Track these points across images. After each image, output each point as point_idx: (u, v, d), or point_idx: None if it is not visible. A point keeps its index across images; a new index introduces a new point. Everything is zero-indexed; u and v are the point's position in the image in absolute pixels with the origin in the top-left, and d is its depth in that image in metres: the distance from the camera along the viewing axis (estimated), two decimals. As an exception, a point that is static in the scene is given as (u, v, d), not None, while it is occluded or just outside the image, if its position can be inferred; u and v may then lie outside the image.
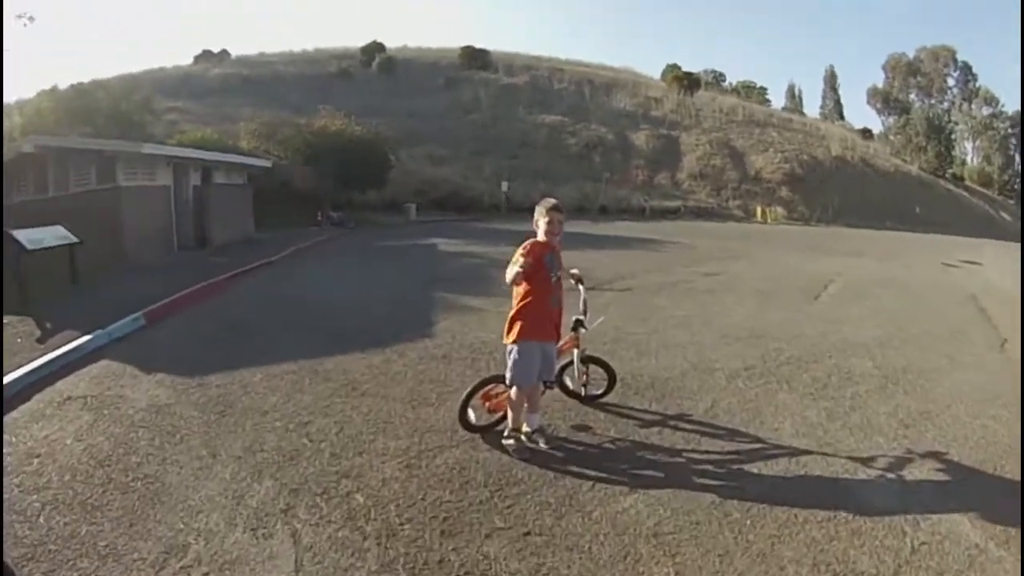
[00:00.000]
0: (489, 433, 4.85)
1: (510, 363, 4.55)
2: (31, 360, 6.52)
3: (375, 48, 55.34)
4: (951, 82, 70.81)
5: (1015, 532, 3.72)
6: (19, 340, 7.44)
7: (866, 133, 63.67)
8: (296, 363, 6.70)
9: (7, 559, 3.27)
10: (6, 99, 24.54)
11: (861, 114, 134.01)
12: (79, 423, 5.13)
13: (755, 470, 4.49)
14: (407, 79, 50.06)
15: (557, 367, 5.08)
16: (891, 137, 64.07)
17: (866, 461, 4.65)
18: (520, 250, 4.47)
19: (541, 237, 4.60)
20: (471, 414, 4.90)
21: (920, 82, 71.22)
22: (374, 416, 5.30)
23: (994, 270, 18.06)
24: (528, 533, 3.65)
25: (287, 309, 9.81)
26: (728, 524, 3.77)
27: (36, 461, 4.44)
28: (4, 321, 8.17)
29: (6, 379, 5.91)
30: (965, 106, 69.40)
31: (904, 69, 71.66)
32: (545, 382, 4.71)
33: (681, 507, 3.94)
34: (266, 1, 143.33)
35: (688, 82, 55.21)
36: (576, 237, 17.34)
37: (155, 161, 15.58)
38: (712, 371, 6.77)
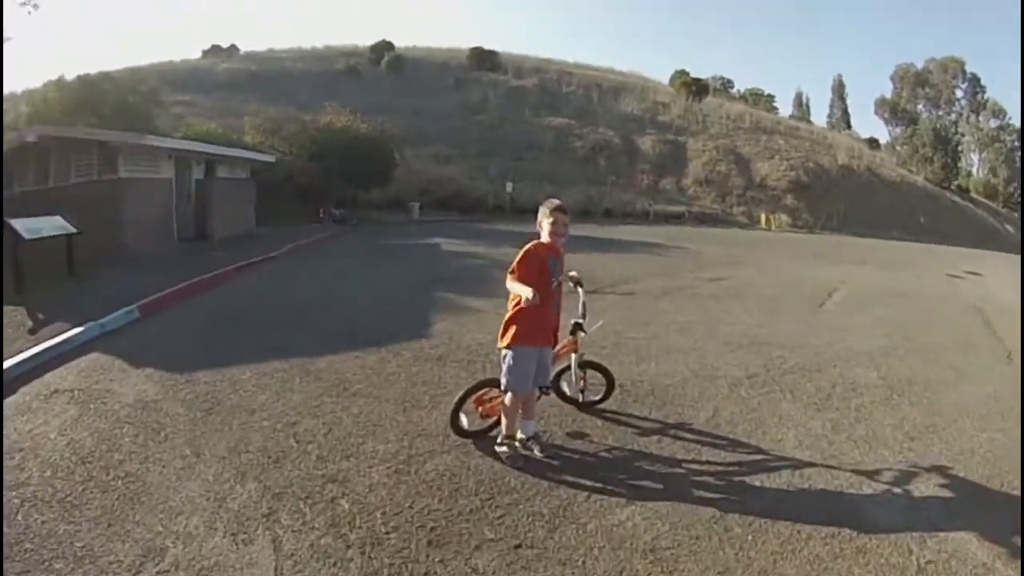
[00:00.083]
0: (482, 439, 4.69)
1: (504, 368, 4.39)
2: (20, 351, 6.41)
3: (384, 46, 55.18)
4: (959, 94, 70.57)
5: (1022, 550, 3.58)
6: (10, 330, 7.34)
7: (873, 143, 63.36)
8: (287, 361, 6.57)
9: None
10: (12, 88, 24.48)
11: (868, 124, 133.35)
12: (64, 417, 5.02)
13: (757, 483, 4.33)
14: (415, 78, 49.94)
15: (554, 372, 4.93)
16: (898, 147, 63.65)
17: (871, 475, 4.50)
18: (521, 253, 4.32)
19: (545, 239, 4.43)
20: (463, 419, 4.74)
21: (928, 93, 70.96)
22: (364, 418, 5.15)
23: (994, 281, 17.93)
24: (519, 546, 3.49)
25: (283, 306, 9.70)
26: (729, 540, 3.62)
27: (19, 456, 4.33)
28: None
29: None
30: (973, 118, 69.11)
31: (912, 80, 71.39)
32: (541, 388, 4.56)
33: (680, 521, 3.78)
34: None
35: (696, 88, 54.95)
36: (580, 240, 17.25)
37: (158, 153, 15.47)
38: (714, 378, 6.61)
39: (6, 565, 3.19)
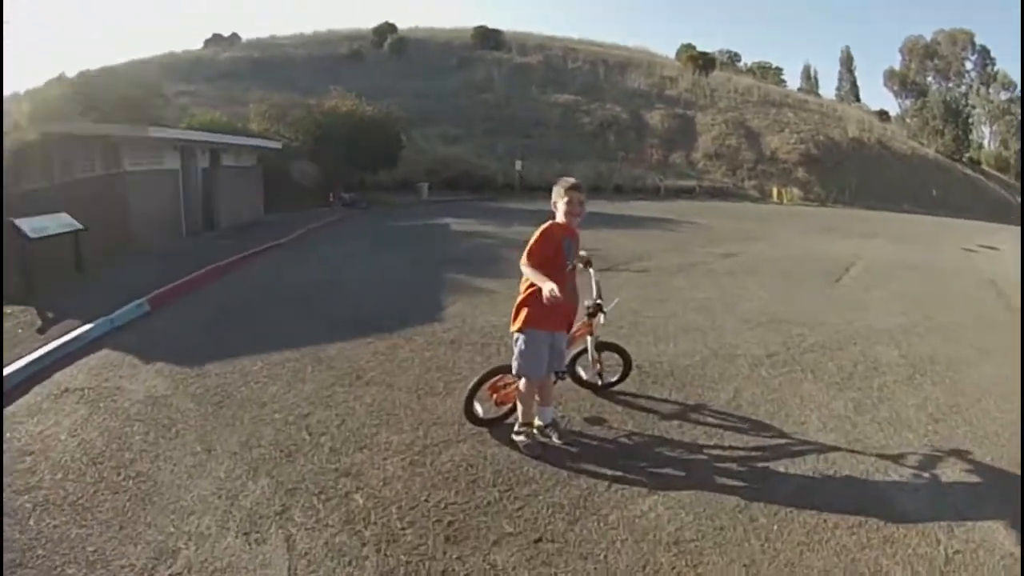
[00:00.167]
0: (498, 427, 4.58)
1: (516, 353, 4.24)
2: (30, 352, 6.33)
3: (387, 29, 54.80)
4: (969, 66, 69.64)
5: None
6: (20, 331, 7.27)
7: (883, 115, 62.62)
8: (298, 350, 6.47)
9: None
10: (15, 88, 24.41)
11: (878, 96, 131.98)
12: (74, 417, 4.94)
13: (781, 469, 4.21)
14: (419, 59, 49.65)
15: (569, 356, 4.80)
16: (908, 120, 63.05)
17: (896, 459, 4.38)
18: (536, 234, 4.15)
19: (560, 219, 4.25)
20: (478, 407, 4.62)
21: (937, 65, 70.05)
22: (378, 407, 5.05)
23: (1010, 255, 17.63)
24: (539, 539, 3.38)
25: (293, 293, 9.61)
26: (754, 530, 3.50)
27: (29, 459, 4.25)
28: (7, 311, 8.00)
29: (5, 371, 5.74)
30: (983, 90, 68.19)
31: (921, 52, 70.46)
32: (557, 373, 4.42)
33: (704, 511, 3.66)
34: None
35: (703, 62, 54.37)
36: (591, 216, 16.86)
37: (162, 145, 15.38)
38: (733, 358, 6.48)
39: (20, 572, 3.13)
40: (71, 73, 24.50)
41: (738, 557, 3.27)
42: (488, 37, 54.44)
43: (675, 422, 4.85)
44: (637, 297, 9.08)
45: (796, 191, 38.00)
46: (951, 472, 4.27)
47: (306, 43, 54.46)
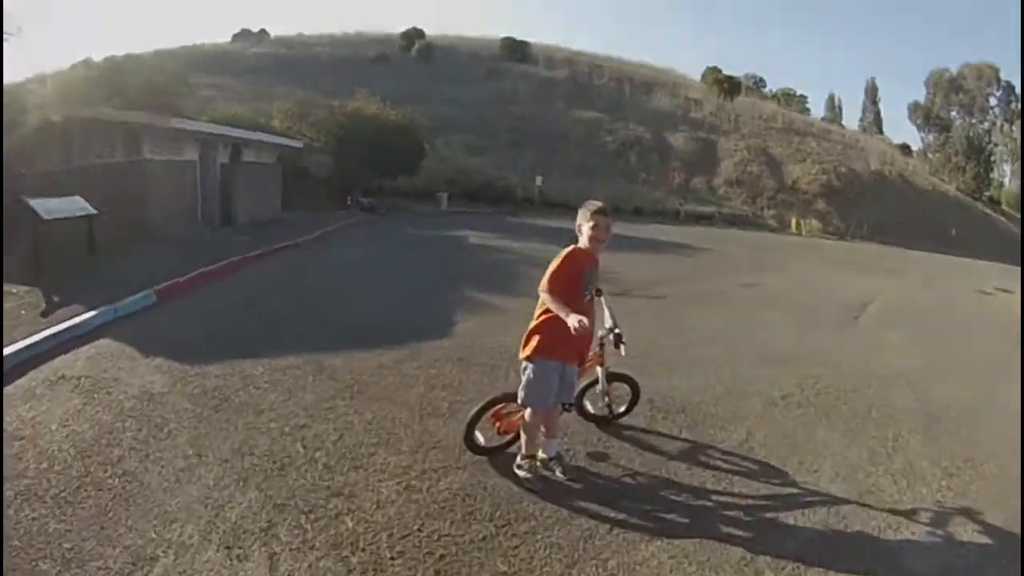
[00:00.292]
0: (499, 455, 4.40)
1: (524, 381, 4.07)
2: (31, 335, 6.30)
3: (415, 34, 54.99)
4: (993, 101, 69.00)
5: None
6: (23, 312, 7.26)
7: (905, 149, 62.16)
8: (302, 357, 6.33)
9: None
10: (41, 69, 24.52)
11: (900, 128, 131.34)
12: (67, 406, 4.88)
13: (791, 520, 4.01)
14: (445, 67, 49.72)
15: (579, 388, 4.62)
16: (930, 155, 62.57)
17: (908, 515, 4.18)
18: (558, 259, 3.98)
19: (584, 243, 4.07)
20: (479, 435, 4.43)
21: (962, 99, 69.36)
22: (377, 425, 4.89)
23: None
24: (534, 582, 3.21)
25: (303, 296, 9.53)
26: (760, 586, 3.31)
27: (18, 444, 4.20)
28: (12, 291, 7.95)
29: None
30: (1006, 127, 67.58)
31: (946, 86, 69.89)
32: (564, 405, 4.24)
33: (707, 561, 3.47)
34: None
35: (728, 86, 54.14)
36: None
37: (183, 136, 15.40)
38: (747, 396, 6.28)
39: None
40: (97, 57, 24.61)
41: (742, 615, 3.08)
42: (516, 49, 54.53)
43: (683, 463, 4.65)
44: (652, 326, 8.88)
45: (815, 223, 37.68)
46: (963, 532, 4.08)
47: (334, 43, 54.74)
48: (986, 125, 67.47)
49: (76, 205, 10.84)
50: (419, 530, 3.55)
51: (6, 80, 16.06)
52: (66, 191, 11.04)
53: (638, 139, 42.97)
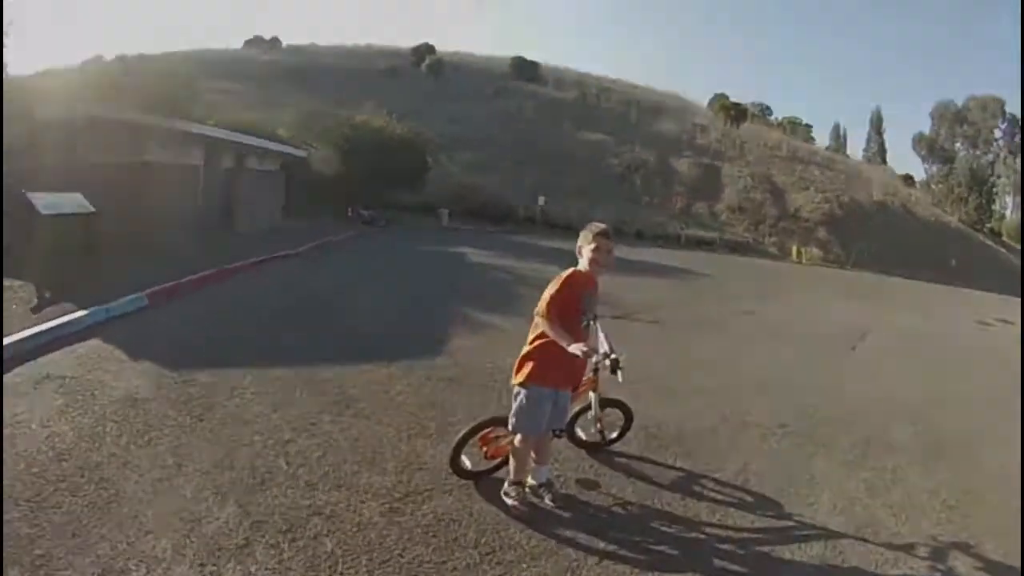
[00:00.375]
0: (486, 480, 4.26)
1: (515, 407, 3.95)
2: (19, 330, 6.21)
3: (425, 49, 55.33)
4: (998, 134, 69.19)
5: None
6: (15, 307, 7.19)
7: (908, 180, 62.37)
8: (292, 369, 6.22)
9: None
10: (54, 64, 24.62)
11: (904, 160, 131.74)
12: (50, 407, 4.78)
13: (787, 554, 3.89)
14: (454, 84, 49.97)
15: (571, 413, 4.47)
16: (933, 186, 62.92)
17: (907, 549, 4.08)
18: (557, 283, 3.86)
19: (584, 266, 3.95)
20: (465, 460, 4.29)
21: (967, 131, 69.61)
22: (363, 443, 4.75)
23: None
24: (518, 615, 3.07)
25: (297, 306, 9.45)
26: (752, 626, 3.19)
27: (-6, 442, 4.06)
28: (5, 285, 7.85)
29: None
30: (1010, 159, 67.79)
31: (951, 118, 70.16)
32: (555, 431, 4.11)
33: (699, 598, 3.35)
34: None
35: (735, 113, 54.42)
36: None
37: (188, 139, 15.39)
38: (744, 426, 6.15)
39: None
40: (109, 56, 24.73)
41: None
42: (525, 68, 54.85)
43: (677, 493, 4.51)
44: (648, 351, 8.75)
45: (816, 251, 37.67)
46: (962, 567, 3.98)
47: (345, 55, 55.16)
48: (990, 157, 67.80)
49: (76, 202, 10.78)
50: (400, 555, 3.41)
51: (15, 74, 16.09)
52: (67, 188, 10.97)
53: (643, 163, 43.09)
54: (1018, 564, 4.05)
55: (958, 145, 69.95)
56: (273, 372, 6.06)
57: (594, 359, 3.90)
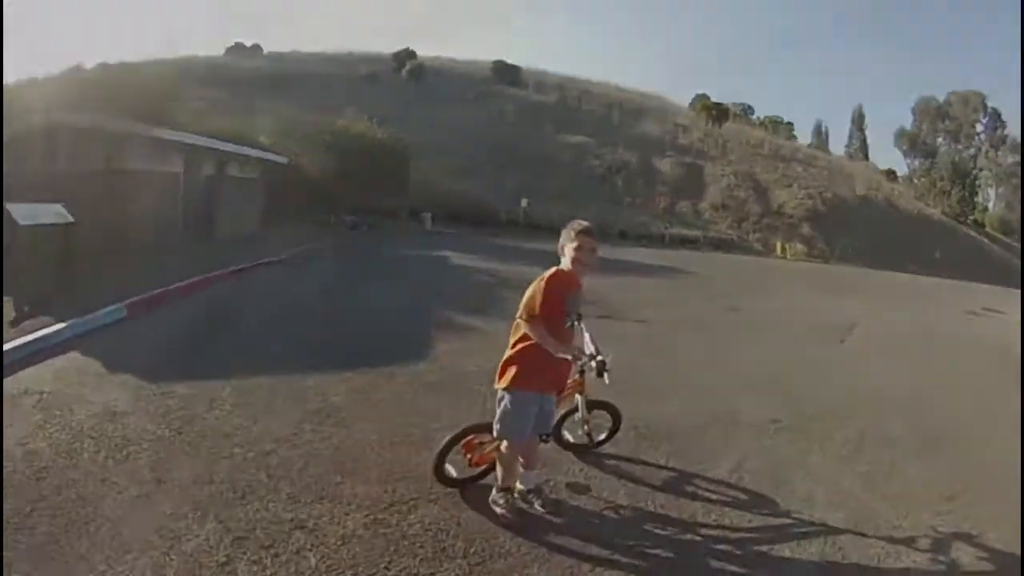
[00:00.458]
0: (472, 488, 4.15)
1: (499, 412, 3.82)
2: (-3, 345, 6.07)
3: (406, 55, 55.17)
4: (979, 128, 69.94)
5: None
6: (-10, 320, 7.02)
7: (891, 174, 62.98)
8: (272, 378, 6.10)
9: None
10: (34, 74, 24.35)
11: (886, 155, 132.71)
12: (28, 423, 4.64)
13: (786, 552, 3.82)
14: (436, 89, 49.85)
15: (557, 416, 4.36)
16: (915, 180, 63.57)
17: (908, 543, 4.03)
18: (538, 284, 3.72)
19: (566, 266, 3.81)
20: (450, 468, 4.16)
21: (948, 126, 70.27)
22: (346, 452, 4.63)
23: (1015, 318, 17.53)
24: (510, 627, 2.98)
25: (278, 314, 9.34)
26: (754, 630, 3.11)
27: (-27, 464, 3.93)
28: None
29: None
30: (992, 153, 68.56)
31: (933, 113, 70.83)
32: (541, 435, 4.01)
33: (697, 602, 3.26)
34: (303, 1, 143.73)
35: (717, 112, 54.71)
36: (593, 260, 16.82)
37: (168, 147, 15.23)
38: (735, 422, 6.09)
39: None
40: (90, 64, 24.48)
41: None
42: (506, 73, 54.85)
43: (670, 494, 4.43)
44: (636, 350, 8.65)
45: (800, 247, 37.91)
46: (965, 558, 3.95)
47: (326, 61, 54.84)
48: (972, 151, 68.54)
49: (54, 212, 10.58)
50: (387, 568, 3.30)
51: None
52: (47, 197, 10.79)
53: (625, 164, 43.17)
54: (1018, 552, 4.01)
55: (940, 140, 70.68)
56: (254, 382, 5.94)
57: (580, 361, 3.80)
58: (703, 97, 59.83)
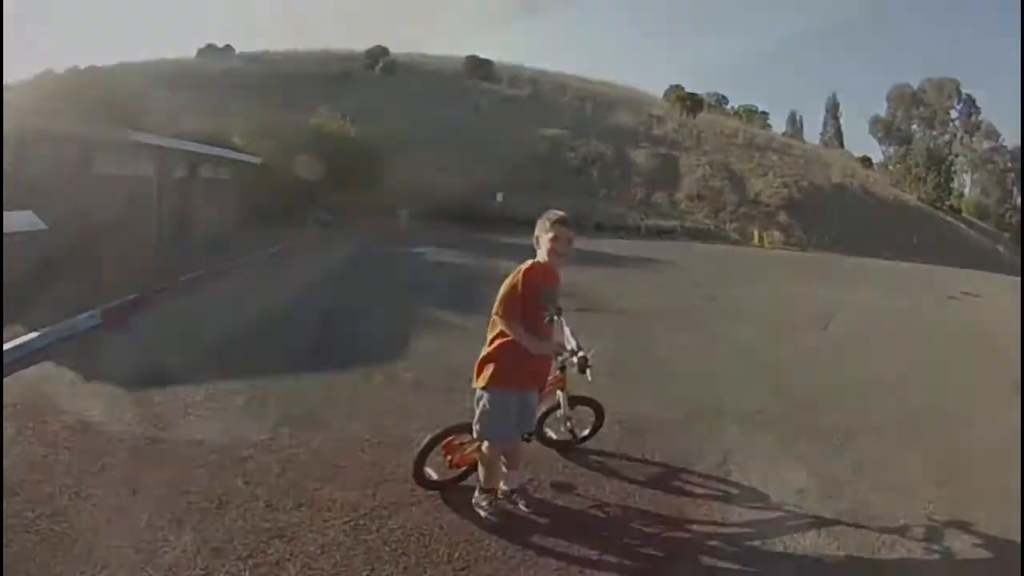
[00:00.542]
0: (454, 489, 4.07)
1: (478, 413, 3.73)
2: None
3: (379, 52, 54.78)
4: (954, 115, 70.77)
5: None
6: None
7: (866, 161, 63.58)
8: (247, 382, 5.98)
9: None
10: (7, 79, 24.01)
11: (861, 143, 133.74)
12: (-1, 438, 4.49)
13: (779, 547, 3.78)
14: (409, 85, 49.46)
15: (539, 413, 4.25)
16: (891, 167, 64.21)
17: (903, 531, 4.02)
18: (514, 278, 3.61)
19: (542, 258, 3.71)
20: (429, 470, 4.07)
21: (923, 113, 70.98)
22: (324, 456, 4.53)
23: (992, 301, 18.02)
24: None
25: (253, 317, 9.16)
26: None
27: (-57, 479, 3.81)
28: None
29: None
30: (967, 139, 69.44)
31: (908, 100, 71.51)
32: (524, 435, 3.92)
33: (688, 601, 3.21)
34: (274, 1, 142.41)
35: (691, 103, 54.83)
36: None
37: (140, 151, 14.99)
38: (721, 413, 6.04)
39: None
40: (60, 69, 24.11)
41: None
42: (479, 68, 54.62)
43: (657, 490, 4.37)
44: (616, 343, 8.58)
45: (778, 235, 38.07)
46: (960, 545, 3.94)
47: (299, 60, 54.35)
48: (947, 137, 69.35)
49: (25, 220, 10.43)
50: (369, 576, 3.24)
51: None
52: (17, 205, 10.61)
53: (600, 156, 43.09)
54: (1015, 537, 3.99)
55: (915, 127, 71.43)
56: (227, 386, 5.83)
57: (561, 357, 3.74)
58: (677, 88, 59.91)
